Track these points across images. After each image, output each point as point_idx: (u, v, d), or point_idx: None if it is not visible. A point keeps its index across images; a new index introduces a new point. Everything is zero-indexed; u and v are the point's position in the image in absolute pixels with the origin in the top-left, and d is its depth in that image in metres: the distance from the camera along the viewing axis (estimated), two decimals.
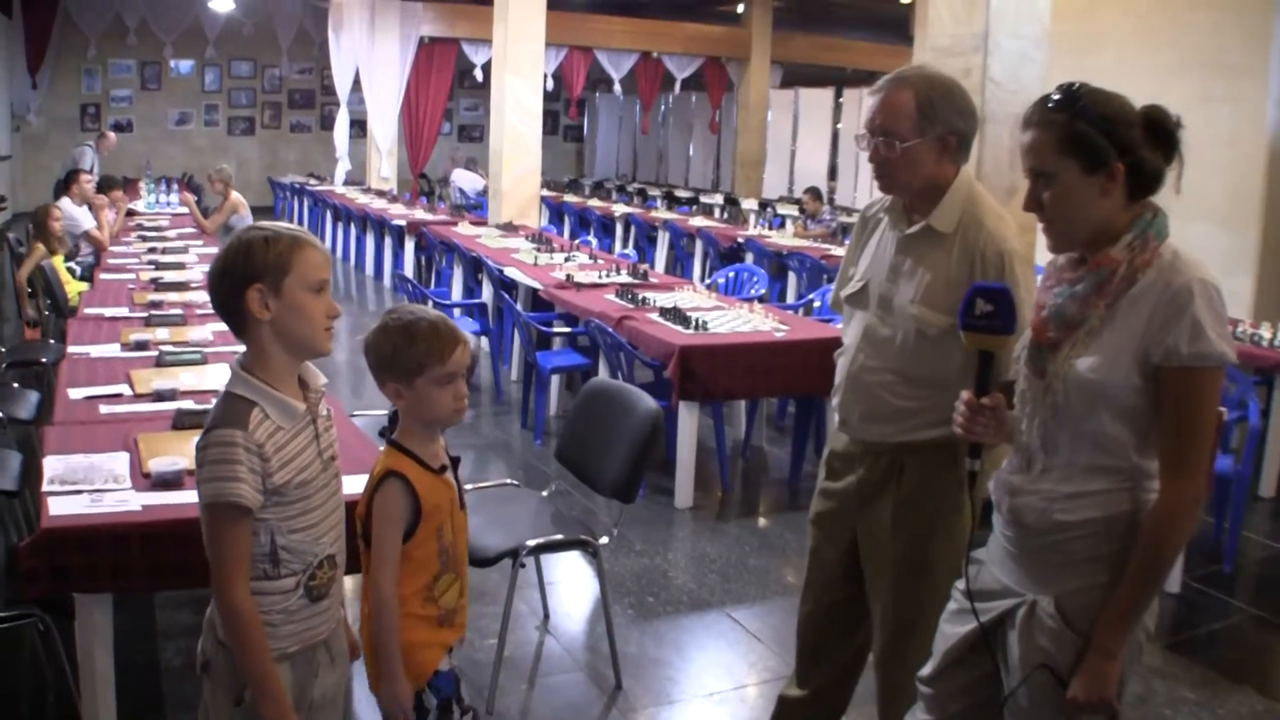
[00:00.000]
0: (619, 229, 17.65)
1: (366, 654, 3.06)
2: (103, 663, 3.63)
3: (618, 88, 23.58)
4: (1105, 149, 2.46)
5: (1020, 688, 2.60)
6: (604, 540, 4.61)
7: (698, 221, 16.32)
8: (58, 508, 3.61)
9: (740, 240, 14.25)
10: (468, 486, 4.73)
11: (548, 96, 24.45)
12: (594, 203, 19.57)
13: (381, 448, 3.19)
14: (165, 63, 25.40)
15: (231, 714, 2.68)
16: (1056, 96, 2.51)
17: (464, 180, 20.83)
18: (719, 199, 20.59)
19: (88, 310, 7.35)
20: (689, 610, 5.43)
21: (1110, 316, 2.47)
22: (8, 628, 3.78)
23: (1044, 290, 2.61)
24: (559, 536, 4.56)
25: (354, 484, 3.17)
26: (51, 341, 8.05)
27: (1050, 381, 2.52)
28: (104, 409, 4.86)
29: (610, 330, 7.26)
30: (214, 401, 2.69)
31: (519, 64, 13.35)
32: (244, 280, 2.58)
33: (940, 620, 2.90)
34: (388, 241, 15.44)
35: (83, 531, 3.49)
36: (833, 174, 21.33)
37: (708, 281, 10.97)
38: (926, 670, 2.91)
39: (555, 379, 8.46)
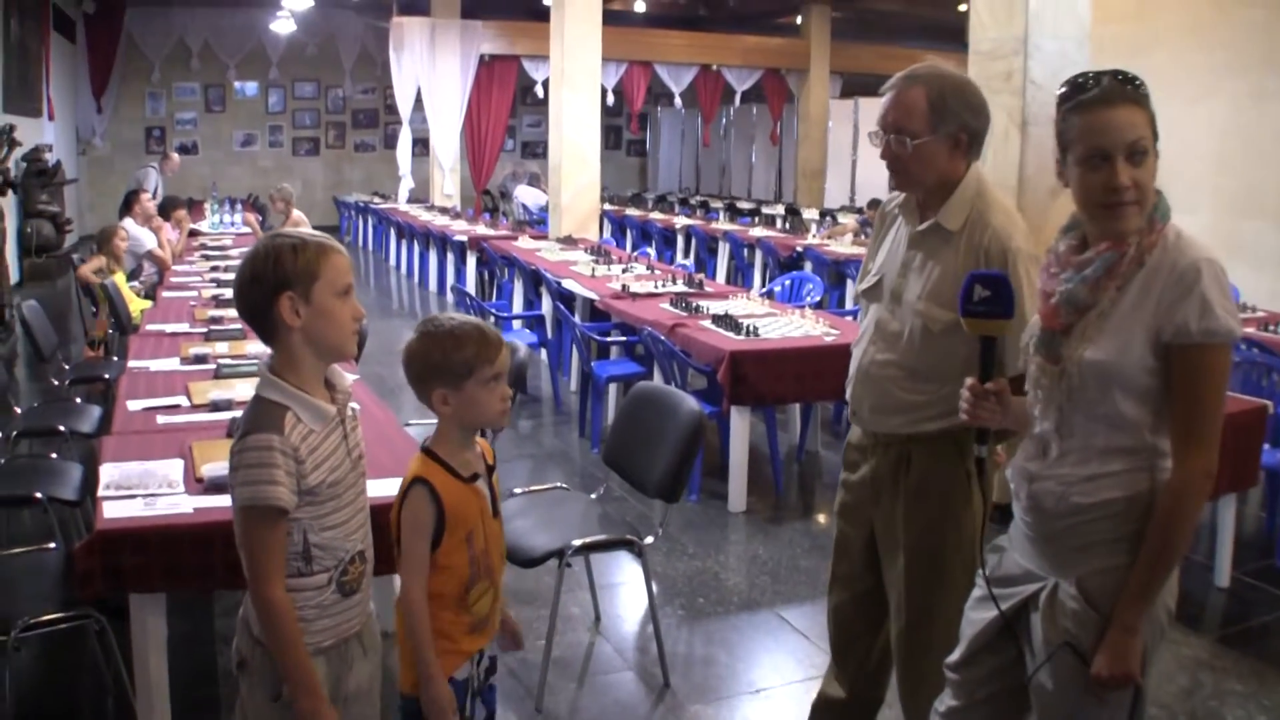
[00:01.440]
0: (680, 241, 17.74)
1: (401, 656, 3.12)
2: (156, 661, 3.74)
3: (678, 101, 23.68)
4: (1155, 128, 2.52)
5: (1044, 668, 2.64)
6: (649, 540, 4.67)
7: (757, 232, 16.38)
8: (112, 511, 3.73)
9: (799, 249, 14.29)
10: (518, 490, 4.87)
11: (609, 111, 24.62)
12: (655, 216, 19.70)
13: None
14: (229, 85, 25.84)
15: (269, 710, 2.75)
16: (1130, 76, 2.55)
17: (527, 196, 20.99)
18: (780, 210, 20.63)
19: (149, 327, 7.53)
20: (739, 610, 5.48)
21: (1120, 299, 2.52)
22: (67, 628, 3.90)
23: (1050, 278, 2.64)
24: (604, 537, 4.62)
25: (382, 487, 3.24)
26: (115, 359, 8.21)
27: (1065, 366, 2.56)
28: (161, 419, 4.99)
29: (663, 338, 7.32)
30: (247, 406, 2.76)
31: (576, 80, 13.49)
32: (275, 288, 2.65)
33: (965, 608, 2.94)
34: (450, 257, 15.60)
35: (136, 533, 3.60)
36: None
37: (764, 290, 11.01)
38: (954, 657, 2.95)
39: (612, 388, 8.51)
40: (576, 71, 13.58)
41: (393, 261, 19.32)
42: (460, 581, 3.04)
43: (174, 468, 4.17)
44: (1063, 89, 2.63)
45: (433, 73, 20.50)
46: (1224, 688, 4.73)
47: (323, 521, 2.71)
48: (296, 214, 13.17)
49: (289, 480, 2.60)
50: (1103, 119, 2.51)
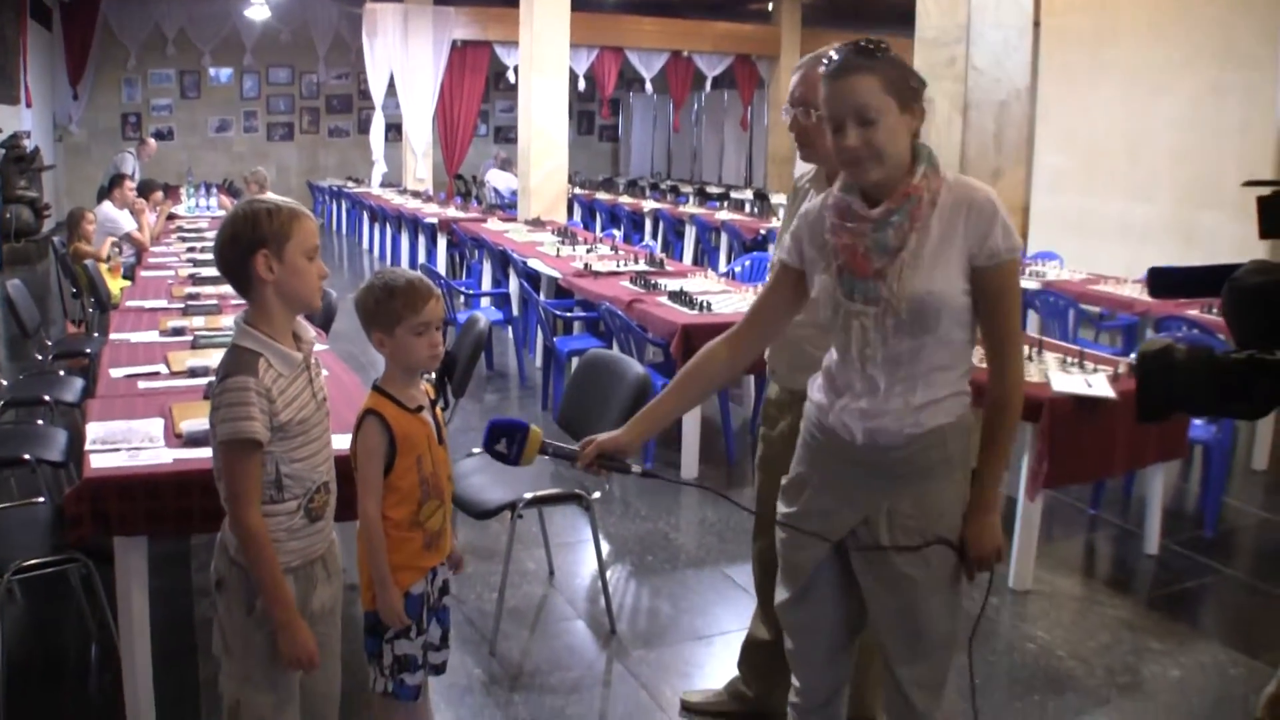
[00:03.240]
0: (648, 224, 18.04)
1: (361, 578, 3.51)
2: (139, 600, 4.06)
3: (649, 87, 23.91)
4: (909, 91, 2.75)
5: (914, 566, 2.93)
6: (596, 495, 5.04)
7: (724, 215, 16.69)
8: (99, 462, 4.06)
9: (764, 232, 14.59)
10: (475, 451, 5.22)
11: (582, 97, 24.89)
12: (625, 200, 19.98)
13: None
14: (204, 71, 26.03)
15: (245, 623, 3.12)
16: (866, 45, 2.76)
17: (498, 180, 21.28)
18: (749, 195, 20.89)
19: (129, 303, 7.84)
20: (686, 567, 5.83)
21: (926, 236, 2.79)
22: (55, 575, 4.25)
23: (846, 232, 2.85)
24: (554, 491, 4.98)
25: (347, 440, 3.59)
26: (95, 335, 8.53)
27: (887, 305, 2.81)
28: (142, 384, 5.33)
29: (619, 313, 7.67)
30: (224, 353, 3.11)
31: (544, 65, 13.80)
32: (252, 246, 3.00)
33: (780, 553, 3.21)
34: (421, 240, 15.93)
35: (121, 481, 3.93)
36: None
37: (724, 270, 11.32)
38: (784, 598, 3.24)
39: (574, 362, 8.81)
40: (545, 57, 13.90)
41: (366, 245, 19.62)
42: (413, 501, 3.44)
43: (155, 425, 4.50)
44: (820, 59, 2.90)
45: (405, 58, 20.70)
46: (1143, 645, 4.98)
47: (292, 455, 3.06)
48: (271, 196, 13.46)
49: (263, 417, 2.95)
50: (836, 89, 2.75)
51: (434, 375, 6.02)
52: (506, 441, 2.98)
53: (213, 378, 4.33)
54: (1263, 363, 2.18)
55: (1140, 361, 2.27)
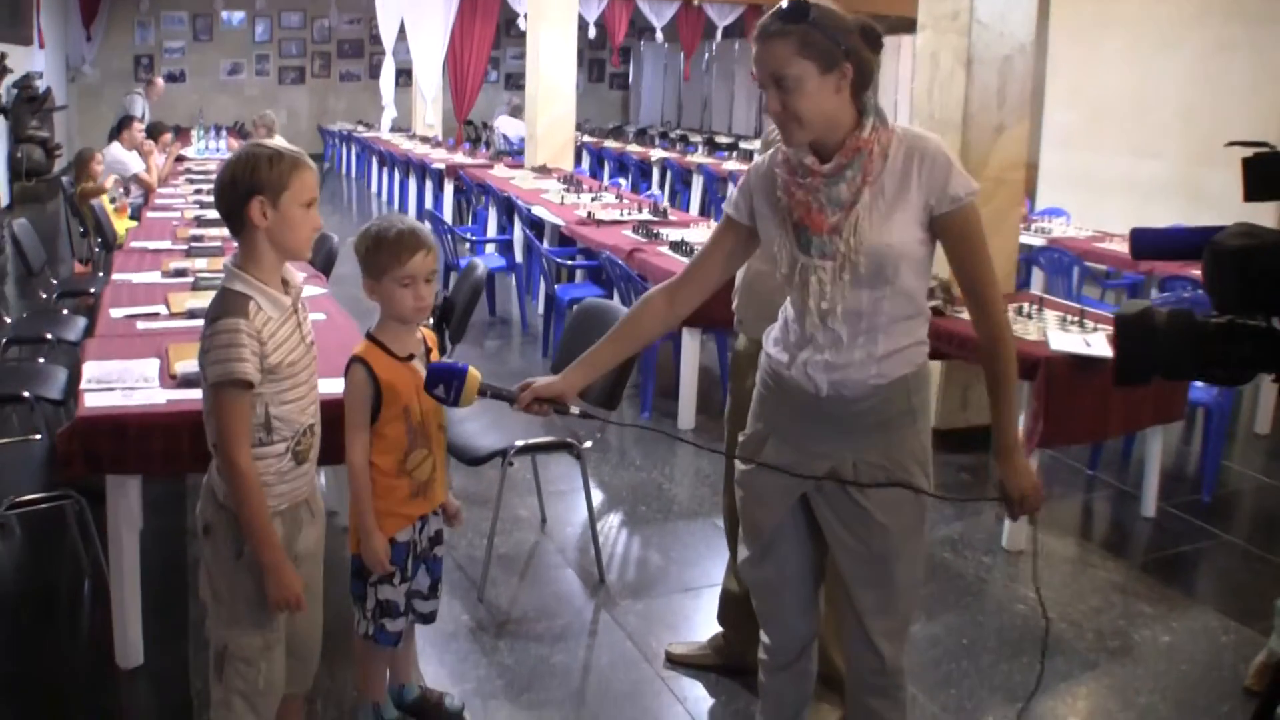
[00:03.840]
0: (655, 174, 18.00)
1: (350, 523, 3.54)
2: (129, 539, 4.11)
3: (660, 35, 23.83)
4: (836, 52, 2.72)
5: (884, 515, 2.96)
6: (588, 445, 5.06)
7: (731, 165, 16.61)
8: (93, 401, 4.10)
9: None
10: None
11: (592, 44, 24.83)
12: (633, 149, 19.93)
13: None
14: (216, 15, 26.06)
15: (233, 567, 3.14)
16: (789, 7, 2.73)
17: (507, 126, 21.20)
18: (759, 145, 20.74)
19: (133, 244, 7.89)
20: (678, 519, 5.85)
21: (880, 189, 2.80)
22: (49, 511, 4.29)
23: (799, 188, 2.85)
24: (546, 439, 5.00)
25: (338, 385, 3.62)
26: (101, 275, 8.56)
27: (844, 259, 2.82)
28: (141, 325, 5.37)
29: (620, 262, 7.68)
30: (213, 297, 3.12)
31: (552, 12, 13.76)
32: (249, 192, 3.01)
33: (741, 511, 3.25)
34: (429, 185, 15.91)
35: (114, 420, 3.96)
36: None
37: None
38: (747, 555, 3.27)
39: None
40: (553, 4, 13.84)
41: (374, 189, 19.63)
42: (400, 449, 3.49)
43: (150, 366, 4.53)
44: None
45: (416, 4, 20.62)
46: (1134, 610, 4.98)
47: (281, 397, 3.08)
48: (279, 140, 13.46)
49: (254, 359, 2.97)
50: (759, 53, 2.75)
51: (430, 321, 6.07)
52: (444, 387, 2.98)
53: None
54: (1243, 328, 2.18)
55: (1118, 324, 2.27)
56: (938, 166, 2.78)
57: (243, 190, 3.01)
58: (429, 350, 3.63)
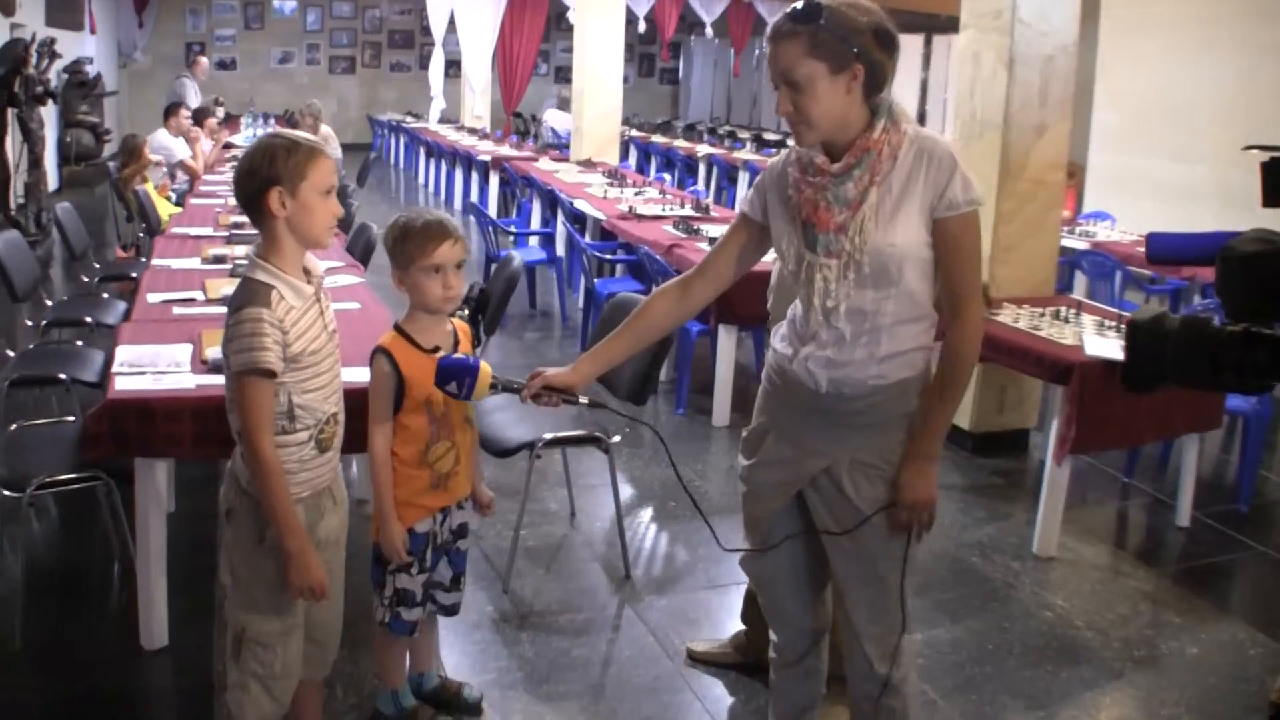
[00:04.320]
0: (701, 169, 17.98)
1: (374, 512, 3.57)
2: (155, 521, 4.15)
3: (710, 31, 23.80)
4: (847, 53, 2.73)
5: (873, 522, 2.98)
6: (616, 439, 5.06)
7: None
8: (123, 384, 4.15)
9: None
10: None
11: (643, 39, 24.85)
12: (680, 144, 19.91)
13: None
14: (267, 3, 26.22)
15: (254, 551, 3.19)
16: (800, 8, 2.73)
17: (556, 120, 21.20)
18: None
19: (175, 230, 7.97)
20: (707, 514, 5.78)
21: (888, 189, 2.82)
22: (80, 494, 4.34)
23: (808, 186, 2.88)
24: (574, 432, 5.02)
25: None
26: (143, 260, 8.64)
27: (849, 258, 2.84)
28: (176, 310, 5.42)
29: (658, 257, 7.68)
30: (236, 286, 3.16)
31: (600, 6, 13.73)
32: (266, 182, 3.04)
33: (744, 507, 3.28)
34: (474, 177, 15.94)
35: (142, 403, 4.00)
36: (921, 120, 21.38)
37: None
38: (748, 549, 3.31)
39: None
40: None
41: (421, 179, 19.73)
42: (421, 440, 3.51)
43: (183, 351, 4.57)
44: None
45: None
46: (1162, 619, 4.92)
47: (304, 385, 3.11)
48: (325, 130, 13.55)
49: (277, 348, 3.00)
50: (771, 53, 2.77)
51: (466, 313, 6.08)
52: (456, 384, 3.02)
53: None
54: (1258, 336, 2.16)
55: (1129, 329, 2.26)
56: (942, 169, 2.79)
57: (260, 181, 3.04)
58: (458, 341, 3.65)
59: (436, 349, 3.51)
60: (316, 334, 3.14)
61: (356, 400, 3.51)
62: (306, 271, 3.19)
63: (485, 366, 3.01)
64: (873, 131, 2.80)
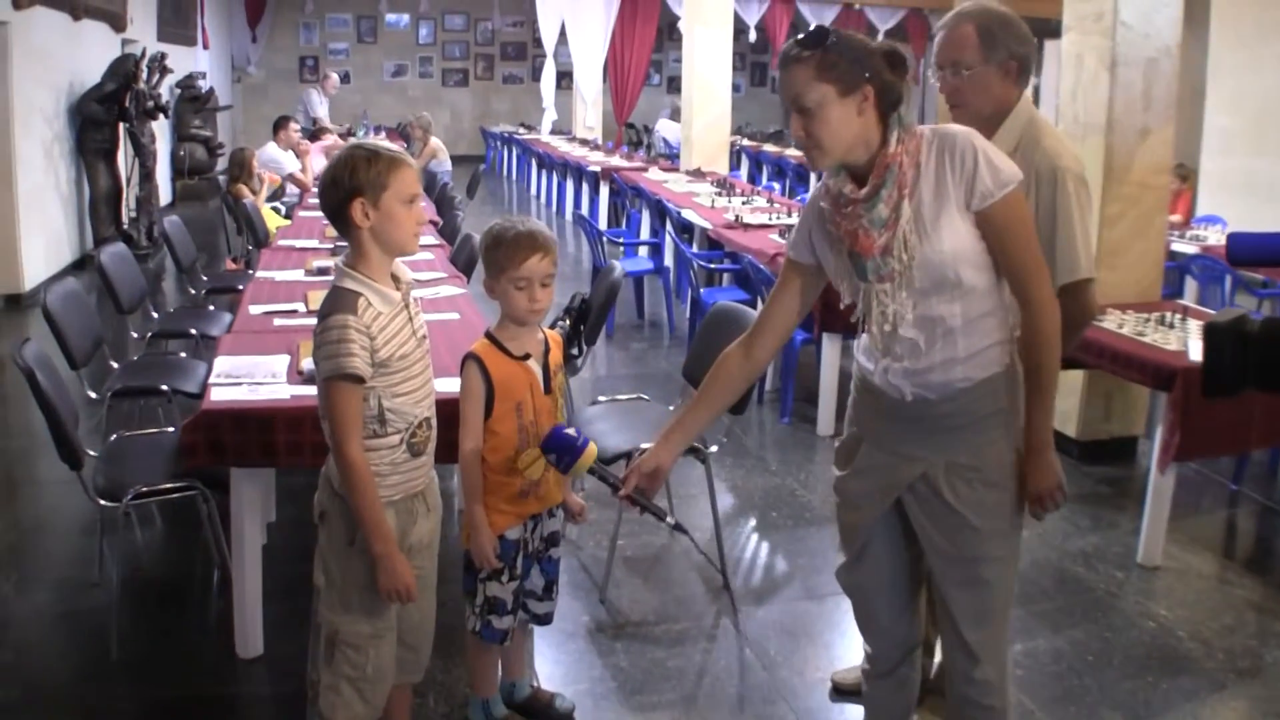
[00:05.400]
0: (812, 178, 17.87)
1: (464, 520, 3.58)
2: (251, 530, 4.19)
3: None
4: (857, 75, 2.70)
5: (976, 519, 2.94)
6: (713, 449, 5.03)
7: None
8: (218, 395, 4.20)
9: None
10: (601, 399, 5.27)
11: (754, 48, 24.81)
12: (791, 153, 19.83)
13: None
14: (380, 16, 26.53)
15: (345, 553, 3.25)
16: (808, 34, 2.74)
17: (667, 130, 21.26)
18: None
19: (280, 242, 8.09)
20: (808, 525, 5.79)
21: (920, 199, 2.77)
22: (180, 504, 4.41)
23: (845, 218, 2.84)
24: None
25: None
26: (250, 271, 8.77)
27: (901, 276, 2.81)
28: (277, 322, 5.49)
29: (762, 267, 7.63)
30: (325, 295, 3.20)
31: (707, 14, 13.76)
32: (350, 194, 3.09)
33: (839, 516, 3.25)
34: (585, 187, 16.00)
35: (237, 413, 4.06)
36: None
37: None
38: (842, 563, 3.30)
39: None
40: (708, 6, 13.82)
41: (533, 191, 19.81)
42: (510, 447, 3.52)
43: (280, 362, 4.63)
44: None
45: (576, 6, 20.75)
46: (1269, 630, 4.80)
47: (394, 390, 3.16)
48: (434, 141, 13.70)
49: (364, 354, 3.05)
50: (781, 79, 2.77)
51: (568, 323, 6.08)
52: (557, 456, 3.11)
53: None
54: None
55: (1207, 332, 2.20)
56: (966, 162, 2.74)
57: (344, 192, 3.09)
58: (549, 349, 3.65)
59: (527, 356, 3.54)
60: (405, 339, 3.18)
61: (451, 409, 3.54)
62: (395, 278, 3.23)
63: (592, 449, 3.09)
64: (888, 146, 2.76)
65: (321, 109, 17.32)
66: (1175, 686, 4.31)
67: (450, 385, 3.68)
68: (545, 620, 3.86)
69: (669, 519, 3.11)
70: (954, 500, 2.93)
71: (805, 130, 2.74)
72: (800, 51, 2.71)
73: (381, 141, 3.29)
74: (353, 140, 3.94)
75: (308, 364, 4.40)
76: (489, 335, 3.59)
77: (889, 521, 3.12)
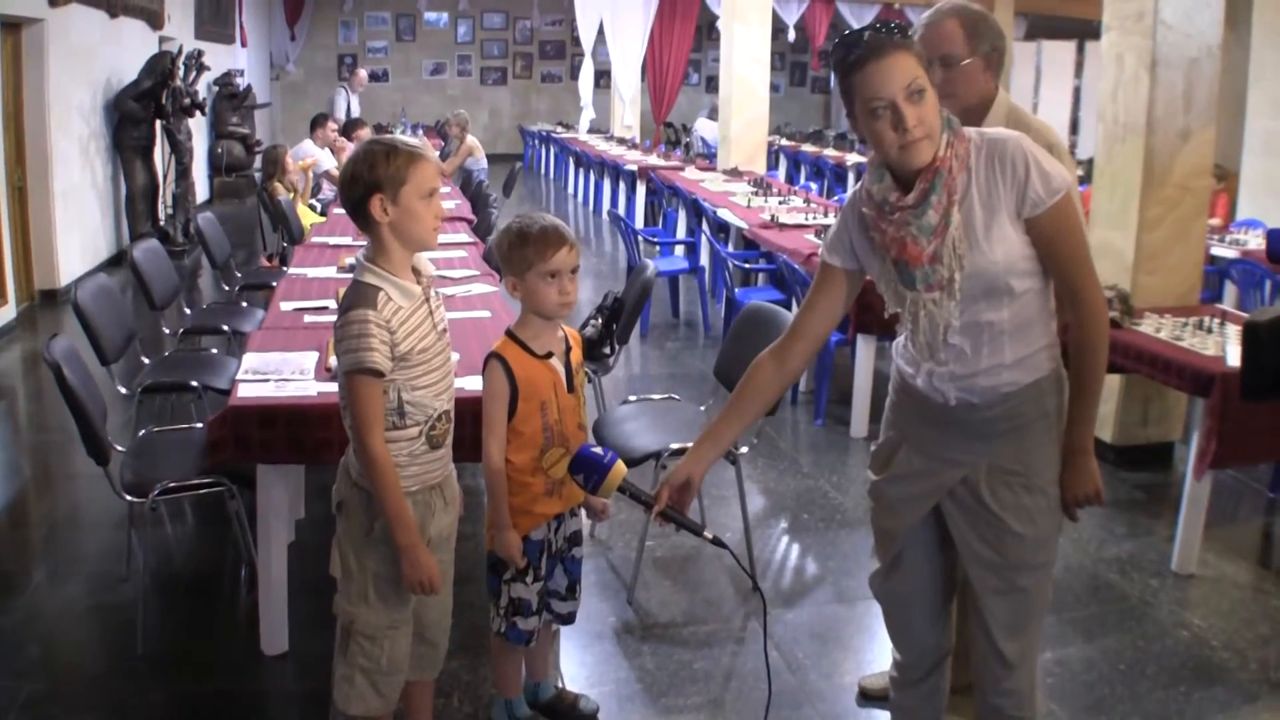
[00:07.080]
0: (850, 178, 17.83)
1: (488, 521, 3.56)
2: (277, 525, 4.19)
3: None
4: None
5: (1017, 524, 2.90)
6: (743, 450, 4.98)
7: None
8: (246, 391, 4.20)
9: None
10: (631, 398, 5.24)
11: (794, 48, 24.76)
12: (829, 153, 19.78)
13: None
14: (419, 15, 26.68)
15: (362, 543, 3.25)
16: (889, 25, 2.70)
17: (705, 130, 21.19)
18: None
19: (314, 239, 8.11)
20: (840, 527, 5.75)
21: (970, 206, 2.72)
22: (207, 492, 4.41)
23: (891, 225, 2.77)
24: None
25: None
26: (284, 268, 8.79)
27: (950, 283, 2.75)
28: (307, 318, 5.49)
29: (796, 267, 7.59)
30: (346, 289, 3.20)
31: (746, 13, 13.66)
32: (369, 189, 3.09)
33: (873, 521, 3.21)
34: (622, 186, 16.01)
35: (263, 409, 4.06)
36: (1074, 128, 21.01)
37: None
38: (877, 569, 3.25)
39: None
40: (747, 4, 13.76)
41: (571, 189, 19.87)
42: (535, 446, 3.50)
43: (309, 358, 4.63)
44: (835, 52, 2.74)
45: (615, 5, 20.73)
46: None
47: (414, 382, 3.16)
48: (471, 140, 13.68)
49: (383, 348, 3.06)
50: (876, 71, 2.63)
51: (599, 321, 6.05)
52: (585, 476, 3.00)
53: None
54: None
55: (1245, 332, 2.15)
56: (1017, 168, 2.70)
57: (363, 187, 3.10)
58: (569, 348, 3.62)
59: (549, 354, 3.52)
60: (425, 333, 3.18)
61: (477, 407, 3.55)
62: (416, 272, 3.24)
63: (619, 467, 2.99)
64: (938, 149, 2.70)
65: (344, 108, 17.30)
66: (1208, 697, 4.25)
67: (480, 384, 3.65)
68: (569, 620, 3.84)
69: (706, 533, 3.03)
70: (994, 505, 2.90)
71: (919, 118, 2.64)
72: (898, 39, 2.64)
73: (400, 137, 3.28)
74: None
75: (335, 361, 4.40)
76: (510, 333, 3.56)
77: (925, 528, 3.08)
